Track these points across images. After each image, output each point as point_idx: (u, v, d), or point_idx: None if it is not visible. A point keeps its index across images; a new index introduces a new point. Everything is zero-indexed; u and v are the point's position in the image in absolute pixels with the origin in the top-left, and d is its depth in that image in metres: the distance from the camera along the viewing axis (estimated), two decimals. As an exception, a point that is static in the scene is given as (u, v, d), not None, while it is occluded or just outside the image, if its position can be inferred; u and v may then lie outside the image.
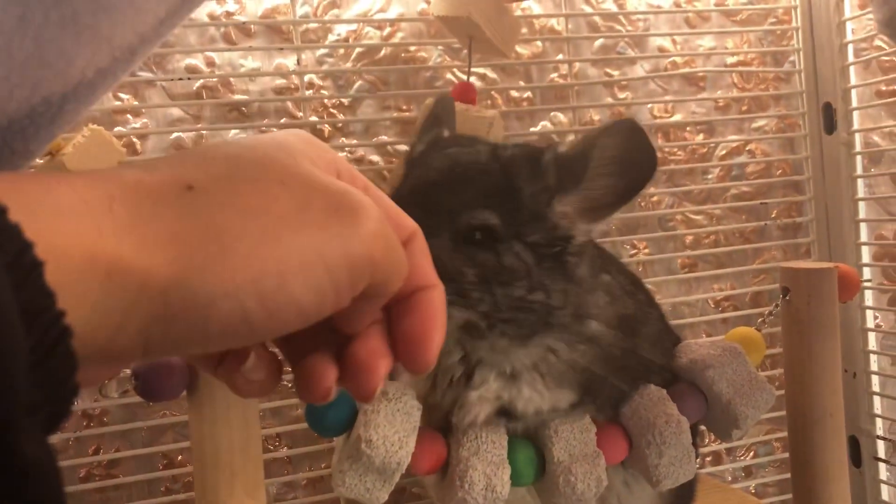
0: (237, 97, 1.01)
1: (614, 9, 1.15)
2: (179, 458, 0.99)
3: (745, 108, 1.21)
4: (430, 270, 0.36)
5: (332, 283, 0.30)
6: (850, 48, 1.17)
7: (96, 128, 0.81)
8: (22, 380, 0.21)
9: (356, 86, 1.05)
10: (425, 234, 0.36)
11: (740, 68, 1.20)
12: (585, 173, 0.63)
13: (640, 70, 1.16)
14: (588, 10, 1.14)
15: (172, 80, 0.99)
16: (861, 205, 1.17)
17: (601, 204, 0.64)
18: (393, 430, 0.63)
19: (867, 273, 1.17)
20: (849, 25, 1.16)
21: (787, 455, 0.87)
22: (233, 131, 1.01)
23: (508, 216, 0.62)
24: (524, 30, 1.08)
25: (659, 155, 1.15)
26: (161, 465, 0.99)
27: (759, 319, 0.85)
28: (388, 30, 1.06)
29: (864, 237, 1.18)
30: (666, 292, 1.16)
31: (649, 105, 1.16)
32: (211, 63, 1.01)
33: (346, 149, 1.03)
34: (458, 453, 0.67)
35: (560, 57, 1.13)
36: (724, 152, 1.20)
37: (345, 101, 1.05)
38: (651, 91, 1.17)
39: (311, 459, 1.04)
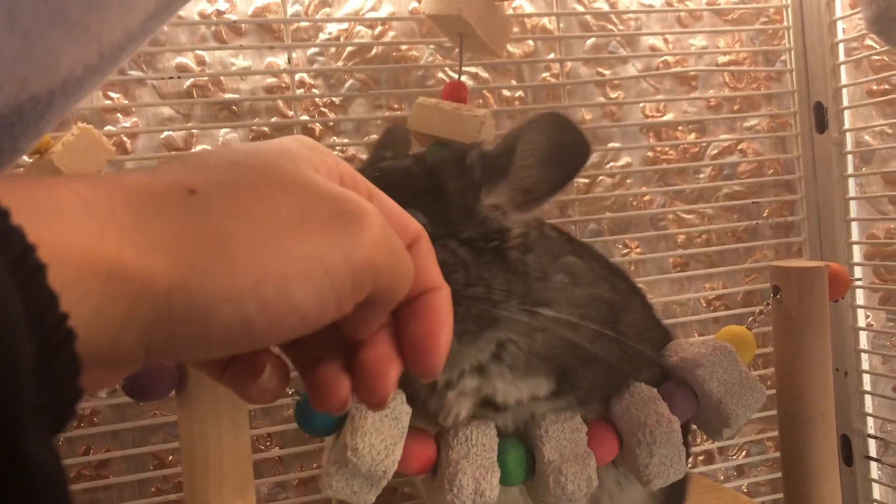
0: (228, 96, 1.01)
1: (606, 8, 1.15)
2: (170, 458, 0.98)
3: (736, 107, 1.21)
4: (436, 272, 0.36)
5: (334, 290, 0.29)
6: (842, 47, 1.17)
7: (86, 126, 0.80)
8: (27, 381, 0.21)
9: (347, 84, 1.05)
10: None
11: (732, 67, 1.20)
12: (511, 165, 0.64)
13: (631, 69, 1.17)
14: (580, 8, 1.14)
15: (163, 78, 0.98)
16: (852, 204, 1.18)
17: (534, 194, 0.65)
18: (380, 437, 0.63)
19: (858, 272, 1.18)
20: (840, 25, 1.16)
21: (779, 454, 0.87)
22: (223, 130, 1.01)
23: (437, 214, 0.63)
24: (515, 29, 1.08)
25: (651, 154, 1.16)
26: (151, 466, 0.98)
27: (751, 318, 0.85)
28: (379, 29, 1.06)
29: (855, 236, 1.18)
30: (658, 291, 1.16)
31: (641, 104, 1.17)
32: (201, 62, 1.01)
33: (338, 148, 1.03)
34: (447, 455, 0.67)
35: (552, 56, 1.13)
36: (715, 151, 1.20)
37: (336, 99, 1.05)
38: (643, 90, 1.17)
39: (303, 459, 1.03)
